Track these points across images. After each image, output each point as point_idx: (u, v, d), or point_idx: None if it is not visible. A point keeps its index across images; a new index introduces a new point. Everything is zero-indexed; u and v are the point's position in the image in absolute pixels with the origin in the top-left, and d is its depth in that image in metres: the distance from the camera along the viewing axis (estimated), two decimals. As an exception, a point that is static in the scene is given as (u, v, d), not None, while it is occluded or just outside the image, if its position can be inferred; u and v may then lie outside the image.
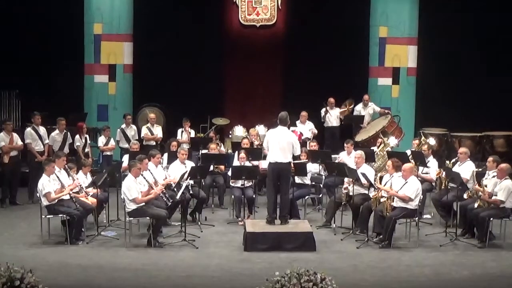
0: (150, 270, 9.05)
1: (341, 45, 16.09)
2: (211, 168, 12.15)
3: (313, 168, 12.11)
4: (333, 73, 16.04)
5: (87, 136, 14.03)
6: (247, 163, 12.00)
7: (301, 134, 14.39)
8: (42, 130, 13.12)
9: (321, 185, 12.08)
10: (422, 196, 10.50)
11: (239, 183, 11.64)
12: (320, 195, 12.30)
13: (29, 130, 13.00)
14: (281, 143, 10.19)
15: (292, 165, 10.64)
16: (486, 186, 10.25)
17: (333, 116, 15.62)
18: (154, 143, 14.45)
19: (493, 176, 10.36)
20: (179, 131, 14.57)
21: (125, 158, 12.22)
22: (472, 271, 9.10)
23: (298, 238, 10.00)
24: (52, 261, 9.35)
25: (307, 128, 14.95)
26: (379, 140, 13.24)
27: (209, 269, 9.15)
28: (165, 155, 12.35)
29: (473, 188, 10.55)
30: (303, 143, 13.32)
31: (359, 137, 14.92)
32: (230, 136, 15.33)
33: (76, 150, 13.62)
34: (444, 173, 11.10)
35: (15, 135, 12.70)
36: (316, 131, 15.14)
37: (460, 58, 16.09)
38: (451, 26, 15.99)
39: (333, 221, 11.09)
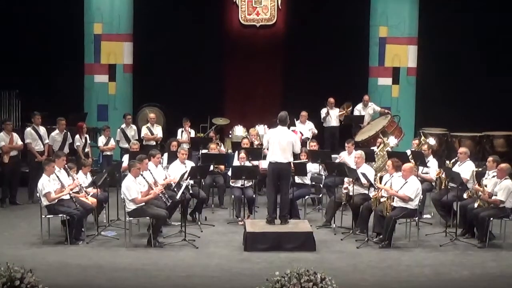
0: (150, 270, 9.05)
1: (341, 45, 16.10)
2: (211, 168, 12.15)
3: (313, 168, 12.11)
4: (333, 73, 16.05)
5: (87, 136, 14.03)
6: (247, 163, 12.01)
7: (301, 134, 14.38)
8: (42, 130, 13.12)
9: (321, 185, 12.08)
10: (422, 196, 10.49)
11: (239, 183, 11.64)
12: (320, 195, 12.30)
13: (29, 130, 13.00)
14: (281, 143, 10.19)
15: (292, 165, 10.64)
16: (486, 186, 10.25)
17: (332, 116, 15.62)
18: (154, 143, 14.45)
19: (493, 176, 10.36)
20: (179, 131, 14.57)
21: (125, 158, 12.22)
22: (472, 271, 9.10)
23: (298, 238, 10.00)
24: (52, 261, 9.36)
25: (307, 128, 14.95)
26: (379, 140, 13.24)
27: (209, 269, 9.15)
28: (165, 155, 12.35)
29: (473, 188, 10.55)
30: (303, 143, 13.32)
31: (359, 137, 14.92)
32: (230, 136, 15.33)
33: (76, 150, 13.62)
34: (444, 173, 11.10)
35: (15, 135, 12.70)
36: (316, 131, 15.15)
37: (460, 58, 16.09)
38: (451, 26, 16.00)
39: (333, 221, 11.09)
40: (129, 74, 16.33)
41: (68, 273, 8.89)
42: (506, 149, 15.16)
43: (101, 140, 14.17)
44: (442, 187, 11.21)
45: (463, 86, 16.04)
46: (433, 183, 11.74)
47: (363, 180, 10.64)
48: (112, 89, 16.19)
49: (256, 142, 13.72)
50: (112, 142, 14.18)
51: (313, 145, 13.07)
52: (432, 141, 12.73)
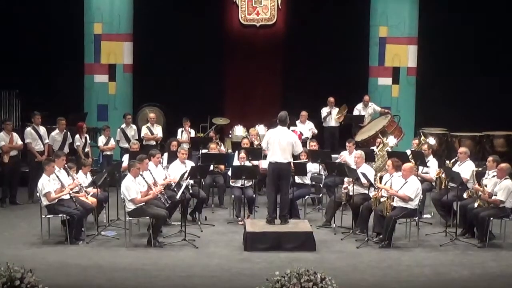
0: (150, 270, 9.05)
1: (341, 45, 16.10)
2: (211, 168, 12.15)
3: (313, 168, 12.11)
4: (333, 73, 16.06)
5: (87, 136, 14.03)
6: (247, 163, 12.01)
7: (301, 133, 14.38)
8: (42, 130, 13.12)
9: (321, 185, 12.08)
10: (422, 196, 10.50)
11: (239, 183, 11.65)
12: (320, 195, 12.30)
13: (29, 130, 13.01)
14: (281, 143, 10.19)
15: (292, 165, 10.64)
16: (486, 185, 10.25)
17: (333, 116, 15.63)
18: (154, 143, 14.45)
19: (493, 176, 10.36)
20: (179, 130, 14.58)
21: (125, 158, 12.22)
22: (472, 271, 9.10)
23: (298, 238, 10.00)
24: (52, 261, 9.35)
25: (307, 128, 14.96)
26: (378, 140, 13.24)
27: (209, 269, 9.15)
28: (165, 155, 12.35)
29: (473, 187, 10.54)
30: (303, 143, 13.29)
31: (359, 137, 14.92)
32: (230, 136, 15.34)
33: (76, 150, 13.62)
34: (444, 172, 11.10)
35: (15, 135, 12.71)
36: (316, 131, 15.16)
37: (460, 58, 16.09)
38: (451, 26, 16.00)
39: (333, 221, 11.09)
40: (129, 74, 16.33)
41: (68, 273, 8.89)
42: (506, 149, 15.16)
43: (101, 140, 14.17)
44: (442, 187, 11.21)
45: (463, 86, 16.04)
46: (433, 183, 11.74)
47: (363, 180, 10.64)
48: (112, 89, 16.19)
49: (256, 142, 13.71)
50: (112, 142, 14.18)
51: (313, 145, 13.07)
52: (432, 141, 12.73)
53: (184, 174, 10.92)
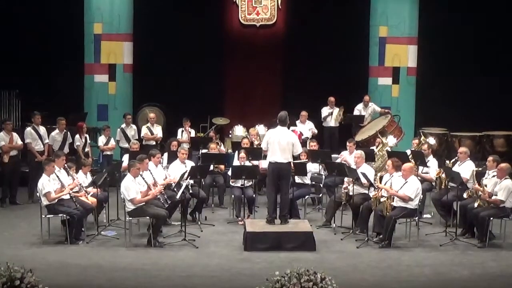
0: (150, 270, 9.05)
1: (341, 45, 16.10)
2: (211, 167, 12.15)
3: (313, 167, 12.11)
4: (333, 73, 16.06)
5: (87, 135, 14.03)
6: (247, 163, 12.01)
7: (301, 133, 14.39)
8: (42, 129, 13.12)
9: (321, 185, 12.08)
10: (422, 196, 10.50)
11: (239, 183, 11.64)
12: (320, 195, 12.30)
13: (29, 129, 13.01)
14: (281, 143, 10.18)
15: (292, 165, 10.64)
16: (486, 185, 10.25)
17: (333, 116, 15.63)
18: (154, 143, 14.45)
19: (493, 176, 10.36)
20: (179, 130, 14.58)
21: (125, 158, 12.22)
22: (472, 271, 9.10)
23: (298, 237, 10.00)
24: (52, 261, 9.35)
25: (307, 128, 14.96)
26: (378, 140, 13.23)
27: (209, 268, 9.15)
28: (165, 155, 12.36)
29: (473, 187, 10.54)
30: (303, 143, 13.30)
31: (359, 137, 14.92)
32: (230, 135, 15.34)
33: (76, 150, 13.62)
34: (444, 172, 11.10)
35: (15, 135, 12.71)
36: (316, 131, 15.17)
37: (460, 58, 16.09)
38: (451, 26, 16.00)
39: (333, 221, 11.09)
40: (129, 74, 16.33)
41: (68, 273, 8.89)
42: (506, 149, 15.16)
43: (101, 140, 14.17)
44: (442, 187, 11.21)
45: (463, 86, 16.04)
46: (433, 183, 11.74)
47: (363, 180, 10.64)
48: (112, 89, 16.19)
49: (256, 142, 13.71)
50: (112, 142, 14.17)
51: (313, 145, 13.06)
52: (432, 140, 12.74)
53: (184, 174, 10.91)
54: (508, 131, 15.41)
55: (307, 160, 12.02)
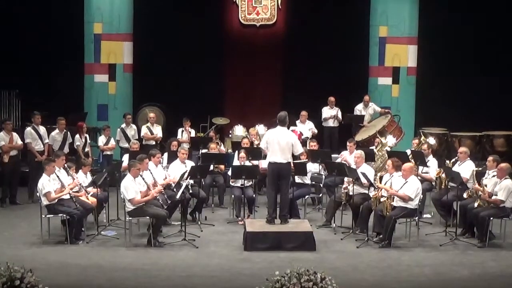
0: (150, 270, 9.05)
1: (341, 45, 16.10)
2: (211, 167, 12.15)
3: (313, 167, 12.11)
4: (333, 73, 16.06)
5: (87, 135, 14.03)
6: (247, 163, 12.01)
7: (301, 133, 14.39)
8: (42, 129, 13.12)
9: (321, 185, 12.08)
10: (422, 196, 10.50)
11: (239, 183, 11.64)
12: (320, 195, 12.30)
13: (29, 129, 13.01)
14: (280, 143, 10.17)
15: (292, 164, 10.64)
16: (486, 185, 10.25)
17: (335, 117, 15.65)
18: (154, 143, 14.45)
19: (493, 176, 10.36)
20: (180, 130, 14.58)
21: (125, 158, 12.22)
22: (472, 271, 9.10)
23: (298, 237, 10.00)
24: (52, 261, 9.35)
25: (307, 128, 14.96)
26: (377, 140, 13.23)
27: (209, 268, 9.15)
28: (165, 155, 12.36)
29: (473, 187, 10.54)
30: (303, 143, 13.30)
31: (359, 137, 14.93)
32: (230, 135, 15.35)
33: (76, 150, 13.62)
34: (444, 172, 11.10)
35: (15, 135, 12.71)
36: (316, 131, 15.17)
37: (460, 58, 16.09)
38: (451, 26, 16.00)
39: (333, 221, 11.09)
40: (129, 74, 16.33)
41: (68, 273, 8.89)
42: (506, 148, 15.17)
43: (101, 140, 14.17)
44: (442, 186, 11.21)
45: (463, 86, 16.04)
46: (433, 183, 11.74)
47: (363, 180, 10.64)
48: (112, 89, 16.19)
49: (256, 142, 13.71)
50: (112, 142, 14.17)
51: (313, 145, 13.06)
52: (432, 140, 12.74)
53: (184, 174, 10.91)
54: (508, 131, 15.41)
55: (307, 160, 12.01)
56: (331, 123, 15.67)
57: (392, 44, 16.23)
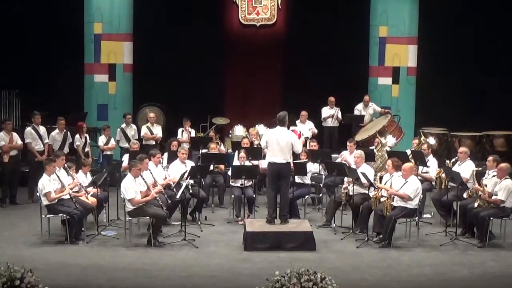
0: (150, 270, 9.05)
1: (341, 45, 16.09)
2: (211, 167, 12.15)
3: (313, 167, 12.11)
4: (333, 73, 16.06)
5: (87, 135, 14.03)
6: (247, 163, 12.01)
7: (301, 133, 14.38)
8: (42, 129, 13.12)
9: (321, 185, 12.08)
10: (422, 196, 10.50)
11: (239, 183, 11.65)
12: (320, 195, 12.30)
13: (29, 129, 13.01)
14: (280, 143, 10.17)
15: (292, 164, 10.64)
16: (486, 185, 10.25)
17: (334, 117, 15.64)
18: (154, 143, 14.45)
19: (493, 176, 10.36)
20: (180, 130, 14.58)
21: (125, 158, 12.23)
22: (472, 271, 9.10)
23: (298, 237, 10.00)
24: (52, 261, 9.35)
25: (307, 128, 14.96)
26: (376, 140, 13.23)
27: (209, 268, 9.15)
28: (165, 155, 12.36)
29: (473, 187, 10.54)
30: (303, 143, 13.30)
31: (359, 137, 14.92)
32: (230, 135, 15.35)
33: (76, 150, 13.62)
34: (444, 172, 11.10)
35: (15, 135, 12.71)
36: (316, 131, 15.17)
37: (460, 58, 16.09)
38: (451, 26, 16.00)
39: (333, 221, 11.09)
40: (129, 73, 16.33)
41: (68, 273, 8.89)
42: (506, 148, 15.17)
43: (101, 140, 14.17)
44: (442, 186, 11.21)
45: (463, 86, 16.05)
46: (433, 183, 11.74)
47: (363, 180, 10.64)
48: (112, 89, 16.19)
49: (256, 142, 13.71)
50: (112, 142, 14.17)
51: (313, 145, 13.07)
52: (432, 140, 12.74)
53: (184, 174, 10.91)
54: (508, 131, 15.41)
55: (307, 160, 12.02)
56: (330, 123, 15.67)
57: (392, 44, 16.23)
